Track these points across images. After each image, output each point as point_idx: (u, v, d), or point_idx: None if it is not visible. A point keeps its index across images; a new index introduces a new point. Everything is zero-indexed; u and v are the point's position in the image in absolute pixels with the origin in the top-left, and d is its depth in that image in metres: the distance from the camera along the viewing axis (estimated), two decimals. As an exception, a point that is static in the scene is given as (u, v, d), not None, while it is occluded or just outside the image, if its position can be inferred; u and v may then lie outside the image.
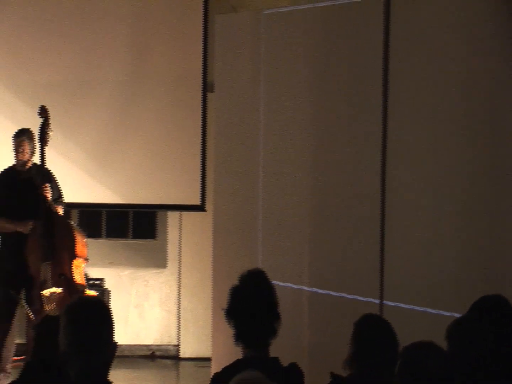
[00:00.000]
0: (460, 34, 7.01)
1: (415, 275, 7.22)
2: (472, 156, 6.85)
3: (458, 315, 4.60)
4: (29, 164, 9.26)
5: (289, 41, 8.39)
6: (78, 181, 10.75)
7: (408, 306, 7.09)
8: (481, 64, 6.85)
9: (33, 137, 9.22)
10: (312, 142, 8.09)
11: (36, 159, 9.21)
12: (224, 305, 4.77)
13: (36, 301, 8.79)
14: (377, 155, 7.44)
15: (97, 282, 10.35)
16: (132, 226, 11.94)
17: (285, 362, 4.74)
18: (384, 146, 7.40)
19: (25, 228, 9.00)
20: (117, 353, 3.92)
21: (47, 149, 9.11)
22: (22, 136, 9.21)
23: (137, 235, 11.95)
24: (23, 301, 8.99)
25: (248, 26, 8.86)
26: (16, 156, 9.22)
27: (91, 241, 9.78)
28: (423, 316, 6.80)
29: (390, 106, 7.40)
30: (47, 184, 9.02)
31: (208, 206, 10.72)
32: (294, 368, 4.70)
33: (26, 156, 9.21)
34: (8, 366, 9.24)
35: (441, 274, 6.95)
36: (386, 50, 7.45)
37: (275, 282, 4.89)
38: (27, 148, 9.19)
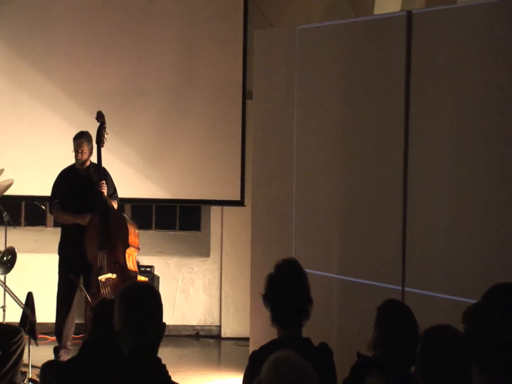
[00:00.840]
0: (477, 46, 6.98)
1: (434, 264, 7.19)
2: (489, 157, 6.82)
3: (474, 301, 4.58)
4: (88, 164, 9.31)
5: (320, 54, 8.38)
6: (131, 178, 10.79)
7: (427, 292, 7.07)
8: (499, 73, 6.82)
9: (91, 139, 9.26)
10: (341, 144, 8.08)
11: (94, 159, 9.26)
12: (261, 290, 4.80)
13: (93, 286, 8.87)
14: (399, 155, 7.43)
15: (148, 269, 10.37)
16: (179, 219, 11.95)
17: (316, 342, 4.75)
18: (406, 148, 7.38)
19: (83, 220, 9.06)
20: (165, 333, 3.98)
21: (103, 150, 9.18)
22: (81, 138, 9.26)
23: (183, 227, 11.98)
24: (81, 286, 8.97)
25: (283, 40, 8.84)
26: (76, 156, 9.25)
27: (142, 232, 9.79)
28: (442, 301, 6.77)
29: (412, 114, 7.38)
30: (103, 181, 9.07)
31: (247, 201, 10.75)
32: (324, 348, 4.73)
33: (85, 156, 9.25)
34: (68, 343, 9.30)
35: (459, 263, 6.93)
36: (408, 62, 7.43)
37: (307, 270, 4.90)
38: (85, 149, 9.23)
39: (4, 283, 8.67)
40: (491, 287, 4.52)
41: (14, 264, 8.61)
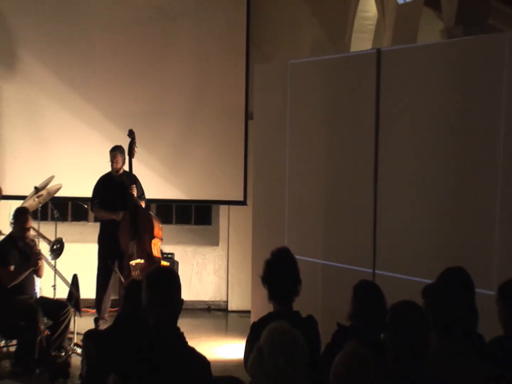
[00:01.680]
0: (432, 77, 6.97)
1: (399, 251, 7.19)
2: (442, 166, 6.82)
3: (431, 281, 4.59)
4: (121, 171, 9.36)
5: (307, 83, 8.39)
6: (155, 183, 10.77)
7: (394, 274, 7.08)
8: (451, 101, 6.79)
9: (123, 152, 9.29)
10: (324, 155, 8.06)
11: (126, 167, 9.26)
12: (260, 273, 4.83)
13: (125, 269, 8.90)
14: (371, 164, 7.42)
15: (169, 256, 10.36)
16: (194, 215, 11.95)
17: (304, 315, 4.78)
18: (376, 159, 7.38)
19: (117, 216, 9.11)
20: (183, 307, 3.98)
21: (133, 160, 9.17)
22: (116, 151, 9.33)
23: (198, 222, 11.98)
24: (116, 269, 9.06)
25: (277, 72, 8.85)
26: (112, 165, 9.33)
27: (164, 226, 9.77)
28: (406, 282, 6.77)
29: (381, 132, 7.38)
30: (133, 185, 9.11)
31: (249, 201, 10.78)
32: (311, 319, 4.78)
33: (119, 166, 9.32)
34: (106, 315, 9.38)
35: (419, 250, 6.92)
36: (378, 90, 7.41)
37: (297, 256, 4.92)
38: (119, 159, 9.30)
39: (55, 266, 8.70)
40: (444, 270, 4.54)
41: (62, 251, 8.64)
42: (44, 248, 8.63)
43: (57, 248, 8.61)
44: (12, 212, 8.70)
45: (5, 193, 9.62)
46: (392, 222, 7.35)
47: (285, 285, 4.73)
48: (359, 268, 7.42)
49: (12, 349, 8.40)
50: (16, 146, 11.08)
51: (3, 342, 8.55)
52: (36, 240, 8.59)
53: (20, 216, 8.31)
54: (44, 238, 8.76)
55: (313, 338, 4.60)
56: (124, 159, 9.30)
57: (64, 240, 8.72)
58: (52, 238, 8.81)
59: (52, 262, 8.73)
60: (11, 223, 8.54)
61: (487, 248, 6.35)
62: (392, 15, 9.27)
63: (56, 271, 8.73)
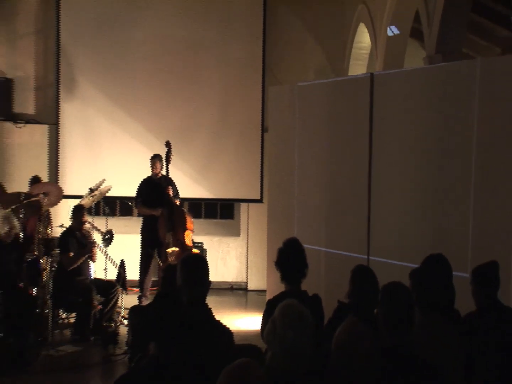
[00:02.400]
0: (416, 98, 6.96)
1: (389, 240, 7.19)
2: (426, 166, 6.83)
3: (416, 265, 4.59)
4: (159, 175, 9.35)
5: (312, 103, 8.38)
6: (188, 184, 10.77)
7: (385, 260, 7.08)
8: (432, 120, 6.80)
9: (161, 159, 9.28)
10: (328, 161, 8.06)
11: (164, 172, 9.28)
12: (274, 259, 4.81)
13: (163, 256, 8.88)
14: (365, 168, 7.42)
15: (199, 245, 10.29)
16: (219, 211, 11.95)
17: (310, 294, 4.76)
18: (370, 164, 7.37)
19: (157, 212, 9.10)
20: (210, 287, 3.98)
21: (170, 166, 9.18)
22: (155, 159, 9.34)
23: (223, 217, 11.95)
24: (156, 255, 9.14)
25: (287, 93, 8.83)
26: (152, 171, 9.35)
27: (195, 220, 9.75)
28: (395, 266, 6.76)
29: (373, 142, 7.37)
30: (170, 187, 9.11)
31: (264, 200, 10.73)
32: (316, 297, 4.77)
33: (158, 171, 9.33)
34: (147, 293, 9.39)
35: (407, 239, 6.92)
36: (371, 109, 7.41)
37: (304, 245, 4.90)
38: (158, 166, 9.31)
39: (106, 253, 8.74)
40: (427, 256, 4.53)
41: (112, 241, 8.66)
42: (97, 238, 8.68)
43: (108, 238, 8.64)
44: (71, 208, 8.76)
45: (65, 193, 9.65)
46: (383, 217, 7.32)
47: (294, 269, 4.71)
48: (355, 255, 7.41)
49: (72, 320, 8.51)
50: (75, 154, 11.17)
51: (64, 314, 8.62)
52: (91, 231, 8.66)
53: (78, 212, 8.42)
54: (97, 229, 8.78)
55: (318, 313, 4.57)
56: (162, 165, 9.29)
57: (113, 231, 8.79)
58: (104, 230, 8.84)
59: (104, 249, 8.79)
60: (70, 218, 8.61)
61: (462, 238, 6.32)
62: (383, 45, 9.24)
63: (107, 257, 8.79)
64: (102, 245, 8.75)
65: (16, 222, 7.73)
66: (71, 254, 8.15)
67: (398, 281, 3.72)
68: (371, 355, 2.52)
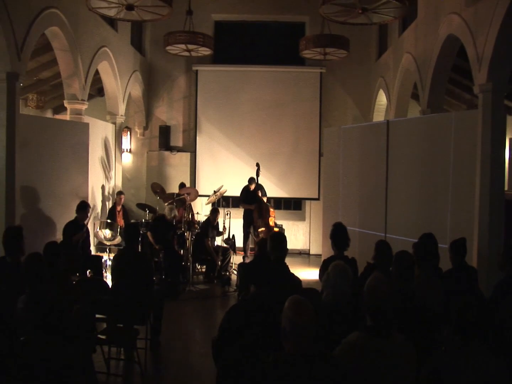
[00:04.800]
0: (416, 137, 6.86)
1: (400, 221, 7.05)
2: (420, 177, 6.70)
3: (416, 240, 4.55)
4: (253, 186, 9.18)
5: (350, 139, 8.27)
6: (272, 188, 10.78)
7: (396, 236, 6.99)
8: (422, 149, 6.69)
9: (255, 181, 9.14)
10: (358, 175, 7.98)
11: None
12: (328, 235, 4.76)
13: (256, 233, 8.90)
14: (383, 178, 7.31)
15: (279, 226, 10.11)
16: (293, 205, 11.83)
17: (350, 257, 4.67)
18: (386, 176, 7.29)
19: (252, 207, 9.04)
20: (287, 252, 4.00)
21: (259, 179, 9.16)
22: (251, 181, 9.21)
23: (295, 208, 11.81)
24: (252, 232, 9.15)
25: (335, 132, 8.71)
26: (249, 187, 9.23)
27: (277, 211, 9.82)
28: (403, 241, 6.65)
29: (389, 164, 7.29)
30: (259, 190, 9.03)
31: (320, 198, 10.63)
32: (353, 260, 4.66)
33: (253, 186, 9.17)
34: (249, 253, 9.34)
35: (410, 222, 6.80)
36: (387, 147, 7.33)
37: (347, 227, 4.82)
38: (253, 185, 9.16)
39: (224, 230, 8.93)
40: (421, 234, 4.46)
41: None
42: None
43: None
44: (203, 203, 8.91)
45: (199, 193, 9.84)
46: (394, 209, 7.21)
47: (340, 241, 4.63)
48: (377, 233, 7.34)
49: (203, 270, 8.67)
50: (204, 170, 11.35)
51: (199, 266, 8.77)
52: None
53: (214, 213, 8.56)
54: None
55: (354, 270, 4.51)
56: (255, 182, 9.14)
57: (229, 216, 8.93)
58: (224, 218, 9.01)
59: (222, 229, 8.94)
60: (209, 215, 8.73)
61: (443, 221, 6.22)
62: (394, 103, 9.15)
63: (223, 232, 8.91)
64: (221, 228, 8.90)
65: (176, 212, 8.00)
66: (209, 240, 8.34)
67: (404, 250, 3.73)
68: (389, 294, 2.62)
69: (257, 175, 9.14)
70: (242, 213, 9.56)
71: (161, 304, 5.28)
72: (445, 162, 6.29)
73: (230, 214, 9.10)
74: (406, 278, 3.56)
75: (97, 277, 5.97)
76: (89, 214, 6.61)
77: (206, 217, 8.90)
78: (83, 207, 6.55)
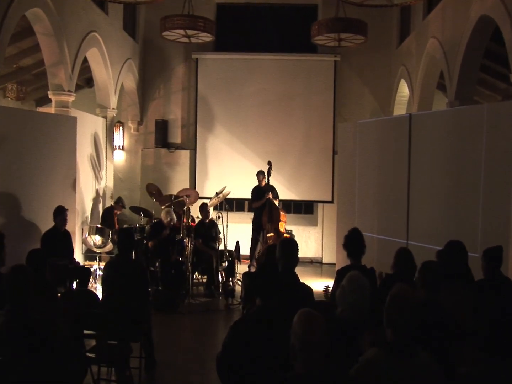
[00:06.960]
0: (444, 132, 6.85)
1: (422, 228, 7.06)
2: (445, 176, 6.69)
3: (440, 248, 4.53)
4: (263, 184, 9.28)
5: (368, 135, 8.29)
6: (282, 190, 10.61)
7: (419, 243, 6.98)
8: (449, 145, 6.69)
9: (263, 173, 9.26)
10: (376, 174, 7.99)
11: (266, 180, 9.30)
12: (342, 242, 4.77)
13: (265, 238, 8.92)
14: (405, 177, 7.34)
15: (289, 231, 10.06)
16: (303, 209, 11.88)
17: (368, 267, 4.70)
18: (408, 174, 7.28)
19: (263, 201, 9.06)
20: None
21: (270, 178, 9.18)
22: (259, 173, 9.32)
23: (306, 212, 11.88)
24: (260, 238, 9.10)
25: (350, 128, 8.76)
26: (259, 182, 9.31)
27: (288, 215, 9.76)
28: (425, 248, 6.64)
29: (411, 166, 7.29)
30: (269, 191, 9.06)
31: (334, 201, 10.66)
32: (372, 270, 4.67)
33: (263, 182, 9.27)
34: (254, 263, 9.25)
35: (435, 227, 6.80)
36: (409, 141, 7.33)
37: (363, 233, 4.86)
38: (261, 177, 9.29)
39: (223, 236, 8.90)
40: (448, 242, 4.46)
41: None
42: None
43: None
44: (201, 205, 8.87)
45: (200, 195, 9.85)
46: (417, 214, 7.21)
47: (356, 249, 4.64)
48: (398, 240, 7.33)
49: (204, 280, 8.60)
50: (205, 169, 11.40)
51: (199, 276, 8.74)
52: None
53: (201, 208, 8.57)
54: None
55: (373, 281, 4.47)
56: (264, 176, 9.25)
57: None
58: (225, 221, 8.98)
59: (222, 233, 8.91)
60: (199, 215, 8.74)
61: (473, 226, 6.20)
62: (417, 94, 9.13)
63: (224, 239, 8.88)
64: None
65: (174, 216, 7.96)
66: (200, 241, 8.29)
67: (432, 260, 3.77)
68: (415, 307, 2.59)
69: (269, 174, 9.18)
70: (248, 217, 9.67)
71: (149, 316, 5.22)
72: (476, 160, 6.26)
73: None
74: (433, 290, 3.56)
75: (84, 288, 5.94)
76: (67, 218, 6.56)
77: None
78: (61, 212, 6.49)
